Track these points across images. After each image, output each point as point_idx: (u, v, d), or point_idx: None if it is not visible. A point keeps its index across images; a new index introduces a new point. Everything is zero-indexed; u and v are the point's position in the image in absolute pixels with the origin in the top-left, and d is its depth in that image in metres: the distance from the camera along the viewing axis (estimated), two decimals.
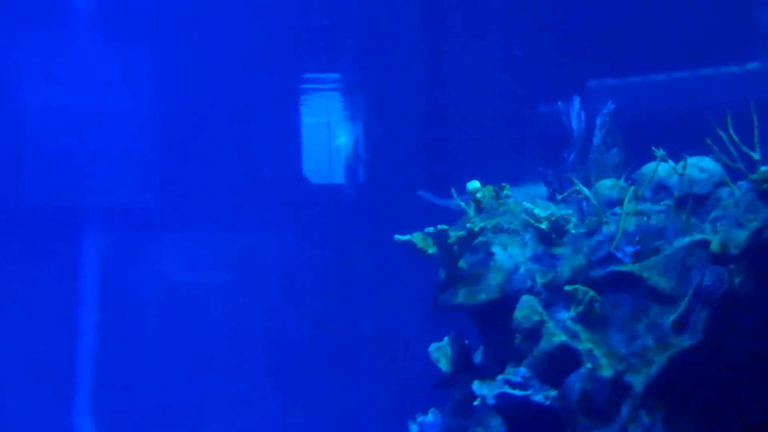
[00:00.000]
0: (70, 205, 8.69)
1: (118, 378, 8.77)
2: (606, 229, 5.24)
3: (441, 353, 5.83)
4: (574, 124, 6.40)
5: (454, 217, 5.89)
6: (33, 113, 8.62)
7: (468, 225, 5.35)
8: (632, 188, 5.35)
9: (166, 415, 8.72)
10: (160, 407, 8.73)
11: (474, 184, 5.79)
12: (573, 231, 5.37)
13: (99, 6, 8.52)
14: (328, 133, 9.03)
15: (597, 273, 5.13)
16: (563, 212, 5.46)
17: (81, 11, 8.49)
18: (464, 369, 5.67)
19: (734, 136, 4.89)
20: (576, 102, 6.38)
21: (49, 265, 8.59)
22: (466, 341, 5.82)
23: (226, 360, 8.90)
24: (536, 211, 5.38)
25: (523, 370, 4.99)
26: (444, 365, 5.74)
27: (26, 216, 8.59)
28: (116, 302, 8.77)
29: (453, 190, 5.72)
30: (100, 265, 8.75)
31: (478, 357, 5.83)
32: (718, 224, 4.89)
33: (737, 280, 4.64)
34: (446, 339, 5.85)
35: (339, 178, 8.99)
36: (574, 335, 5.01)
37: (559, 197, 5.88)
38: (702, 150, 5.26)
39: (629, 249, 5.06)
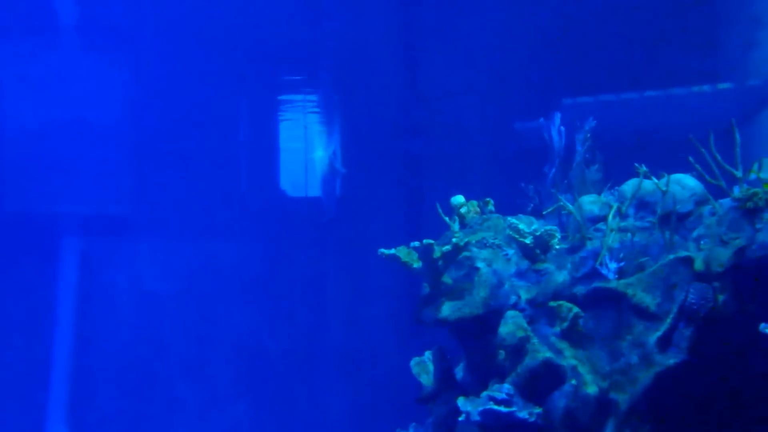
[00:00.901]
0: (46, 212, 8.56)
1: (92, 384, 8.64)
2: (590, 245, 5.23)
3: (422, 368, 5.79)
4: (555, 139, 6.38)
5: (432, 231, 5.84)
6: (10, 122, 8.49)
7: (453, 240, 5.30)
8: (616, 204, 5.34)
9: (138, 420, 8.59)
10: (134, 412, 8.62)
11: (458, 199, 5.76)
12: (557, 247, 5.34)
13: (79, 20, 8.43)
14: (305, 147, 9.00)
15: (581, 289, 5.11)
16: (547, 227, 5.43)
17: (60, 23, 8.39)
18: (446, 384, 5.62)
19: (716, 154, 4.92)
20: (557, 118, 6.37)
21: (22, 273, 8.44)
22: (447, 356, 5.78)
23: (200, 370, 8.81)
24: (521, 226, 5.35)
25: (507, 387, 4.96)
26: (425, 380, 5.70)
27: (2, 223, 8.44)
28: (90, 309, 8.66)
29: (438, 205, 5.69)
30: (75, 272, 8.62)
31: (459, 372, 5.78)
32: (702, 242, 4.91)
33: (721, 298, 4.65)
34: (427, 354, 5.81)
35: (315, 190, 8.96)
36: (558, 352, 4.98)
37: (544, 212, 5.85)
38: (678, 167, 5.30)
39: (613, 265, 5.04)
